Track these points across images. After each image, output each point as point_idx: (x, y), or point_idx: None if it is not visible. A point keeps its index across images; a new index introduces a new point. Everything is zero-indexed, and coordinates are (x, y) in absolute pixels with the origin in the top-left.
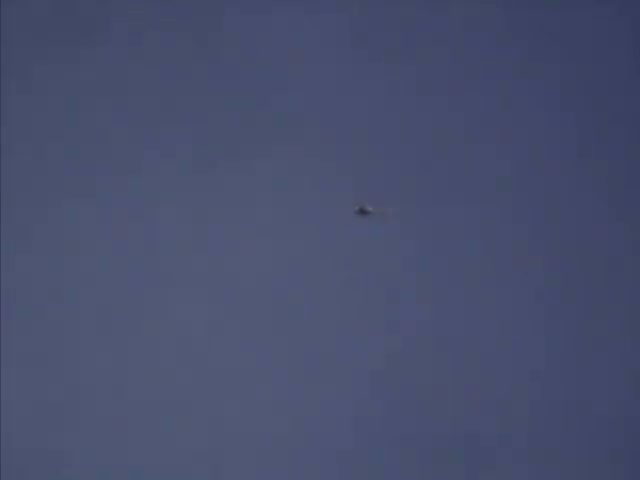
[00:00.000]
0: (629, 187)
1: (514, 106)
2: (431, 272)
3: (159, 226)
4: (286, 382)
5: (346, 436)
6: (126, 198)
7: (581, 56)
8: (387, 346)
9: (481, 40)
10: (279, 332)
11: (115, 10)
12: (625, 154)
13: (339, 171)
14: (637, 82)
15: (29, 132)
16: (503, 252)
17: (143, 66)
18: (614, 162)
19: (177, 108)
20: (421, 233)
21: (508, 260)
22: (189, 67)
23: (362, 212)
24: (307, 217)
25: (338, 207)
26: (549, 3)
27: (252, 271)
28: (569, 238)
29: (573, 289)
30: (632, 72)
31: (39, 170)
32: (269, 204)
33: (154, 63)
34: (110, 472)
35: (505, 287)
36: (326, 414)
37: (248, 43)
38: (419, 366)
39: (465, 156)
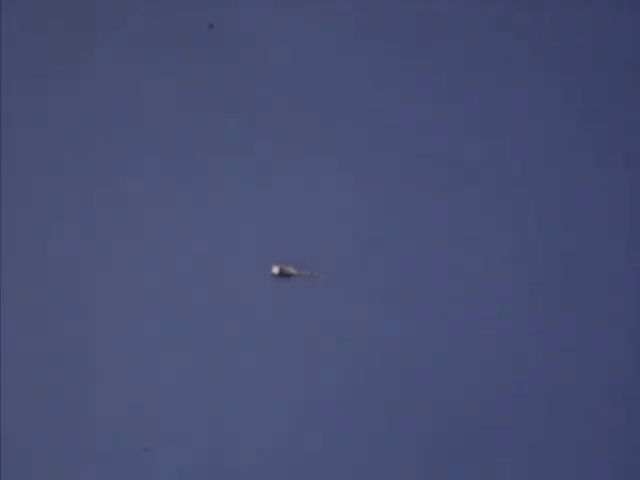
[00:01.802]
0: (629, 189)
1: (512, 106)
2: (415, 287)
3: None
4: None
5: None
6: (119, 196)
7: (582, 56)
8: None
9: (483, 37)
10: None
11: (116, 12)
12: (625, 156)
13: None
14: (637, 84)
15: (29, 130)
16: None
17: (144, 66)
18: (613, 164)
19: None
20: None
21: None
22: (189, 67)
23: (282, 274)
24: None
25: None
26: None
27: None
28: (560, 240)
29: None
30: (632, 74)
31: (37, 166)
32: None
33: (155, 63)
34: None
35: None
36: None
37: (250, 45)
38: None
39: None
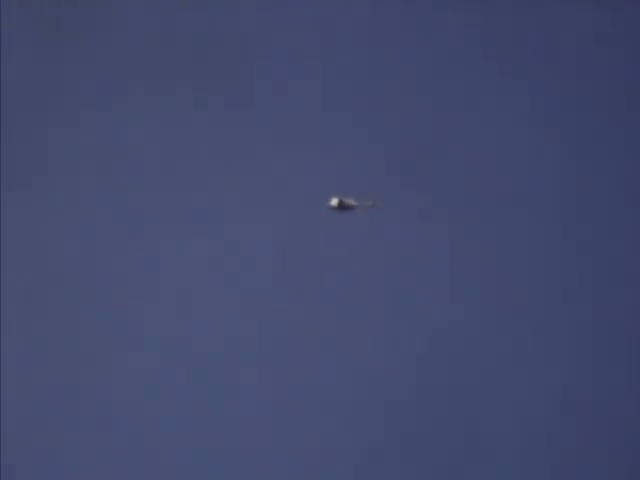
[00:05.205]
0: (628, 190)
1: (510, 109)
2: (433, 268)
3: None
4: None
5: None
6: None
7: (580, 59)
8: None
9: (477, 43)
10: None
11: (113, 13)
12: (625, 158)
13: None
14: (637, 88)
15: (29, 131)
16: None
17: (138, 65)
18: (613, 167)
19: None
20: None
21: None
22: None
23: (342, 207)
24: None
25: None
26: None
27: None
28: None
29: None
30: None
31: (37, 163)
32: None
33: (152, 64)
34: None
35: (505, 289)
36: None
37: (244, 46)
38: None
39: (462, 157)
